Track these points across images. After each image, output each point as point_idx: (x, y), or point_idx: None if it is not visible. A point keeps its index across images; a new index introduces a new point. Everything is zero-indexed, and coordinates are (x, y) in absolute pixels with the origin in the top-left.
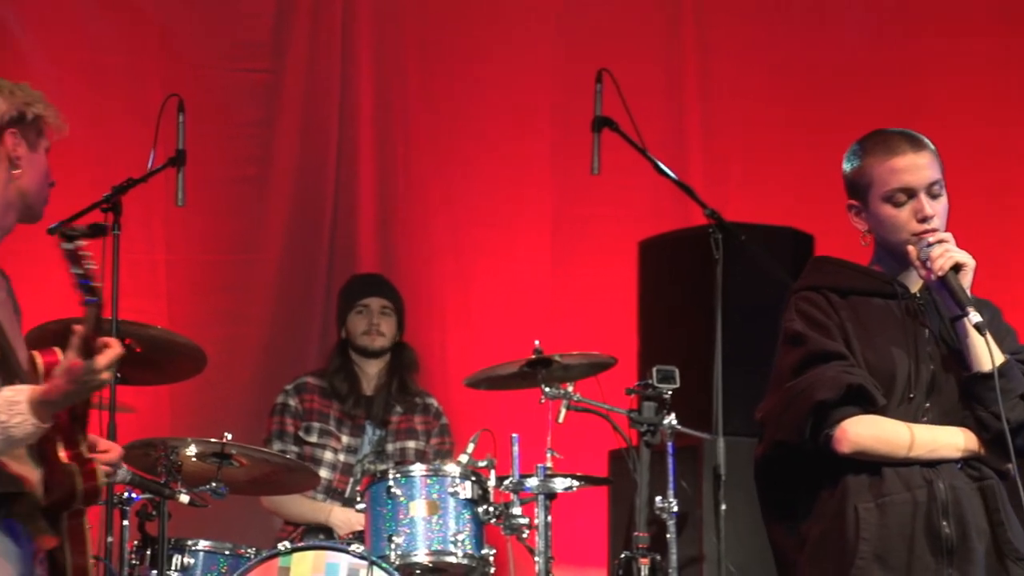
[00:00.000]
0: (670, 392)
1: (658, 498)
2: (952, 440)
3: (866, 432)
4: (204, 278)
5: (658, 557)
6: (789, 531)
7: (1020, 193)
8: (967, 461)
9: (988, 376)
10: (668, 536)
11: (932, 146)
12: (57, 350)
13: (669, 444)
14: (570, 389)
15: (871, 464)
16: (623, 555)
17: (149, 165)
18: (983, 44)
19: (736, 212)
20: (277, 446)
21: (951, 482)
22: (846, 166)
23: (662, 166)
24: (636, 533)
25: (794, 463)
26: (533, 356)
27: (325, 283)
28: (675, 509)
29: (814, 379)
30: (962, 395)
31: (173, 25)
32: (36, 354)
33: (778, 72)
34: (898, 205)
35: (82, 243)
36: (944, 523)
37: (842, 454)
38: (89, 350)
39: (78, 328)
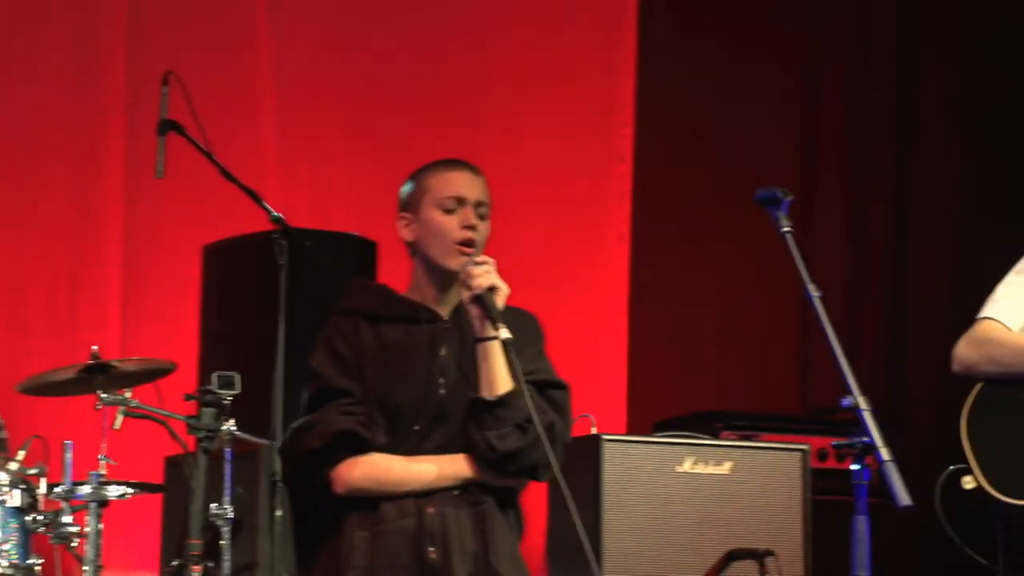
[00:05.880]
0: (230, 398)
1: (213, 505)
2: (451, 470)
3: (359, 474)
4: None
5: (211, 564)
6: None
7: None
8: (466, 487)
9: (489, 403)
10: (222, 543)
11: (485, 179)
12: None
13: (227, 450)
14: (128, 395)
15: (369, 498)
16: (175, 562)
17: None
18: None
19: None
20: None
21: (441, 508)
22: (403, 187)
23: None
24: (189, 540)
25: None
26: (91, 361)
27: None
28: (230, 516)
29: (314, 422)
30: (466, 418)
31: None
32: None
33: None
34: (448, 212)
35: None
36: (431, 549)
37: (339, 494)
38: None
39: None
